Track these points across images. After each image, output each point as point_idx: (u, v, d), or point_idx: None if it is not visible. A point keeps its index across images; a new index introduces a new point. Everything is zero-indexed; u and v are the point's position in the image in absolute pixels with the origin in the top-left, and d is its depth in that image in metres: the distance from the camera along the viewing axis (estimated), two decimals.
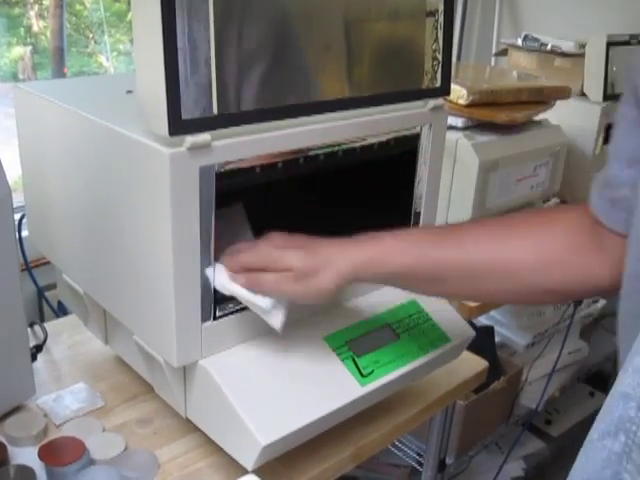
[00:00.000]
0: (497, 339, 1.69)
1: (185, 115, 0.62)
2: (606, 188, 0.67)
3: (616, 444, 0.51)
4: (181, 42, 0.61)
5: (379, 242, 0.72)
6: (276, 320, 0.72)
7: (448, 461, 1.52)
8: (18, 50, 1.49)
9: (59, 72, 1.52)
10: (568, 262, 0.70)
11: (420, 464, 1.43)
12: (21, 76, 1.50)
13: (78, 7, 1.61)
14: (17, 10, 1.46)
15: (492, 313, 1.67)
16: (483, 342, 1.56)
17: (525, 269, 0.70)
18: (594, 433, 0.53)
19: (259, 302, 0.71)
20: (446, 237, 0.74)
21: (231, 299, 0.74)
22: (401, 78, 0.82)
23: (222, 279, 0.71)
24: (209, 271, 0.70)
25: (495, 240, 0.72)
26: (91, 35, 1.64)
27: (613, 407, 0.52)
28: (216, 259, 0.71)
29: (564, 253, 0.70)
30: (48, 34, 1.51)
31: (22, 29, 1.49)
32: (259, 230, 0.79)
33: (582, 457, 0.54)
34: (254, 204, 0.83)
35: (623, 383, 0.52)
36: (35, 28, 1.51)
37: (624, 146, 0.66)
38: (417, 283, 0.75)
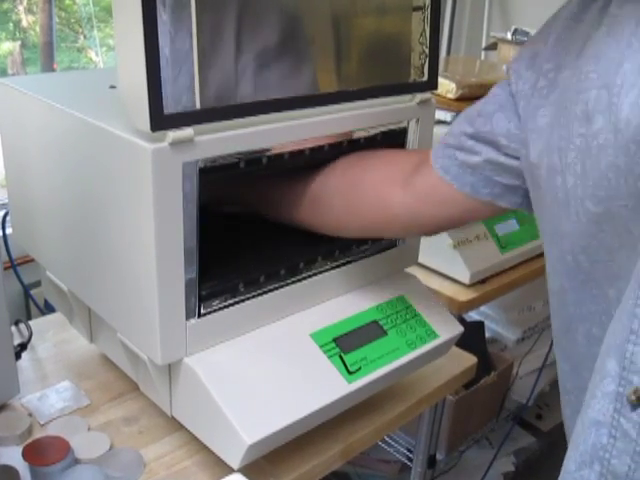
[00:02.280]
0: (487, 334, 1.69)
1: (167, 110, 0.61)
2: (458, 150, 0.69)
3: (592, 474, 0.50)
4: (162, 36, 0.60)
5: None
6: None
7: (438, 457, 1.51)
8: (7, 45, 1.48)
9: (48, 67, 1.51)
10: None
11: (410, 460, 1.43)
12: (10, 71, 1.49)
13: (67, 2, 1.60)
14: (6, 5, 1.45)
15: (482, 308, 1.67)
16: (473, 337, 1.56)
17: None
18: (570, 464, 0.53)
19: None
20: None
21: (215, 295, 0.73)
22: (388, 72, 0.82)
23: None
24: None
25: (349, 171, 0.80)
26: (80, 30, 1.63)
27: (586, 435, 0.51)
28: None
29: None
30: (37, 29, 1.50)
31: (11, 24, 1.48)
32: (244, 223, 0.78)
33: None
34: (237, 199, 0.83)
35: (593, 409, 0.51)
36: (24, 23, 1.50)
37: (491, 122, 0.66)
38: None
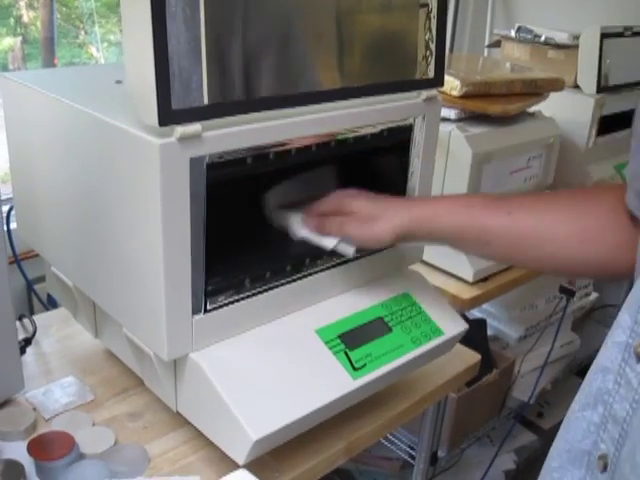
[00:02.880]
0: (489, 332, 1.69)
1: (175, 105, 0.61)
2: (633, 180, 0.67)
3: (595, 415, 0.54)
4: (171, 31, 0.59)
5: (433, 202, 0.81)
6: (345, 250, 0.81)
7: (440, 454, 1.52)
8: (8, 41, 1.47)
9: (49, 63, 1.51)
10: (605, 238, 0.70)
11: (412, 457, 1.43)
12: (11, 67, 1.49)
13: None
14: (7, 0, 1.44)
15: (484, 306, 1.67)
16: (475, 335, 1.56)
17: (568, 239, 0.72)
18: (575, 405, 0.56)
19: (324, 242, 0.81)
20: (494, 203, 0.76)
21: (222, 291, 0.73)
22: (394, 69, 0.82)
23: (295, 227, 0.82)
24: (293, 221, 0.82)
25: (539, 209, 0.74)
26: (81, 26, 1.63)
27: (592, 380, 0.54)
28: (298, 210, 0.83)
29: (604, 229, 0.70)
30: (38, 24, 1.49)
31: (12, 19, 1.48)
32: (251, 219, 0.78)
33: (564, 428, 0.57)
34: (244, 195, 0.82)
35: (603, 356, 0.54)
36: (25, 18, 1.49)
37: None
38: (465, 244, 0.79)
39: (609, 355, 0.53)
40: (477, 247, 0.78)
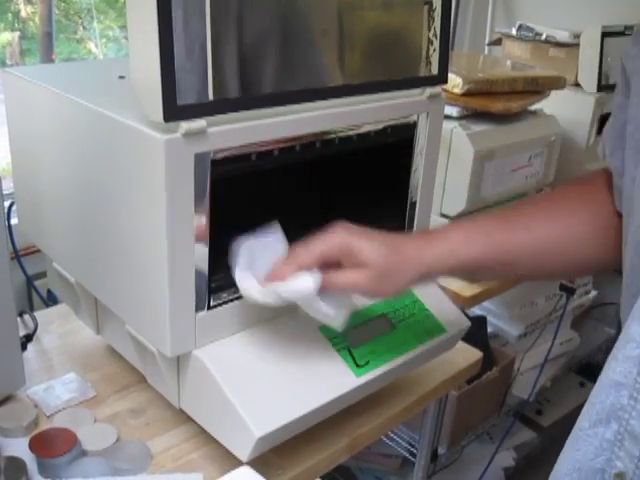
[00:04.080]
0: (489, 329, 1.69)
1: (180, 101, 0.61)
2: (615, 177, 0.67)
3: (608, 432, 0.52)
4: (177, 26, 0.59)
5: (445, 237, 0.72)
6: (339, 323, 0.70)
7: (440, 451, 1.52)
8: (6, 36, 1.47)
9: (47, 58, 1.50)
10: (608, 234, 0.69)
11: (411, 454, 1.43)
12: (9, 62, 1.48)
13: None
14: None
15: (485, 303, 1.67)
16: (475, 332, 1.55)
17: (584, 241, 0.70)
18: (584, 422, 0.54)
19: (323, 310, 0.69)
20: (507, 221, 0.73)
21: (225, 288, 0.73)
22: (398, 66, 0.81)
23: (251, 287, 0.68)
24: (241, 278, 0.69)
25: (555, 217, 0.72)
26: (80, 21, 1.62)
27: (603, 395, 0.52)
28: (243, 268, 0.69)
29: (606, 226, 0.69)
30: (36, 20, 1.49)
31: (10, 14, 1.47)
32: (255, 216, 0.78)
33: (571, 446, 0.55)
34: (248, 191, 0.82)
35: (614, 371, 0.52)
36: (23, 14, 1.49)
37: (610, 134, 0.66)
38: (486, 270, 0.75)
39: (622, 370, 0.51)
40: (500, 271, 0.75)
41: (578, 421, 0.55)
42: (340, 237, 0.70)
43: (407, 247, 0.71)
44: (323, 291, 0.68)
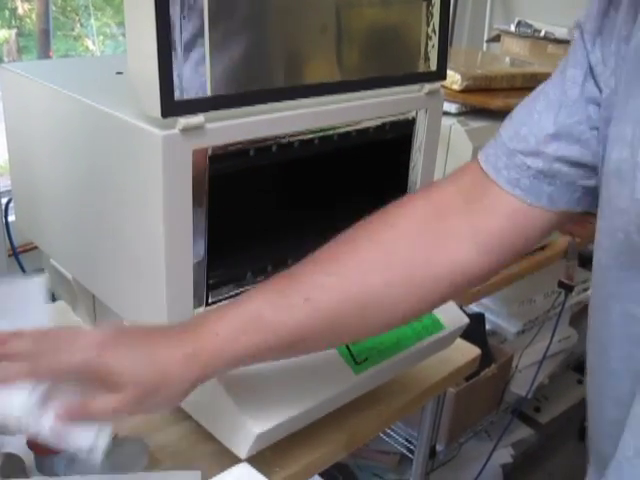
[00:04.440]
0: (488, 327, 1.69)
1: (178, 96, 0.61)
2: (525, 156, 0.61)
3: None
4: (174, 22, 0.59)
5: (209, 332, 0.60)
6: (97, 455, 0.57)
7: (438, 448, 1.52)
8: (3, 33, 1.46)
9: (45, 55, 1.50)
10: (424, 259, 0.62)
11: (409, 451, 1.43)
12: (6, 59, 1.47)
13: None
14: None
15: (483, 300, 1.67)
16: (474, 329, 1.55)
17: (388, 296, 0.62)
18: (627, 450, 0.52)
19: (79, 442, 0.56)
20: (284, 296, 0.61)
21: (223, 284, 0.73)
22: (397, 62, 0.81)
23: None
24: None
25: (333, 273, 0.62)
26: (77, 18, 1.62)
27: None
28: None
29: (415, 254, 0.62)
30: (33, 17, 1.48)
31: (7, 12, 1.46)
32: (253, 212, 0.78)
33: (616, 476, 0.53)
34: (246, 187, 0.82)
35: None
36: (20, 11, 1.48)
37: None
38: (283, 352, 0.64)
39: None
40: (293, 350, 0.64)
41: (621, 449, 0.53)
42: (92, 356, 0.56)
43: (165, 358, 0.58)
44: (75, 419, 0.56)
